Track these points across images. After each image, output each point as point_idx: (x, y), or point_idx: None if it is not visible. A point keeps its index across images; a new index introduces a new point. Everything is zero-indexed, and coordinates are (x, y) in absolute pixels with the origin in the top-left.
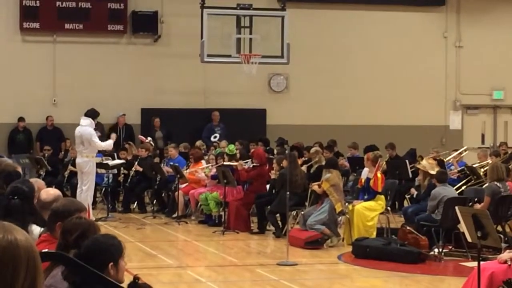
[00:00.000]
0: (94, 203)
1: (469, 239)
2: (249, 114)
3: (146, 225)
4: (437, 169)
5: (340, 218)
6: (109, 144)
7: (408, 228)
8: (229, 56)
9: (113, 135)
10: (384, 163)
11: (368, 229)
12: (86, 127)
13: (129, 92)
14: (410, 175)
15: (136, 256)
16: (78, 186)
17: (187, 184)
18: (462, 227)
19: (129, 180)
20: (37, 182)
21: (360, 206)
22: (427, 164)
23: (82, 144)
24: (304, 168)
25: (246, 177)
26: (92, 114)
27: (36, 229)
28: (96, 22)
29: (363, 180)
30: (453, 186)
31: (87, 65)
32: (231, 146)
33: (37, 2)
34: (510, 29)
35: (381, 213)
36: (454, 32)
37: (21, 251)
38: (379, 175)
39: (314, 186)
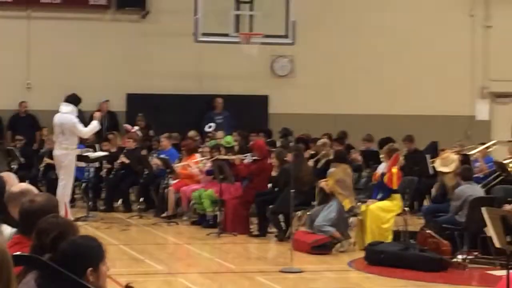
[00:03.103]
0: (73, 200)
1: (497, 245)
2: (249, 101)
3: (131, 226)
4: (453, 165)
5: (351, 219)
6: (94, 126)
7: (428, 231)
8: (227, 35)
9: (97, 114)
10: (402, 157)
11: (383, 232)
12: (67, 114)
13: (113, 75)
14: (431, 172)
15: (120, 261)
16: (59, 180)
17: (178, 179)
18: (490, 230)
19: (112, 173)
20: (9, 177)
21: (375, 206)
22: (440, 160)
23: (62, 134)
24: (310, 162)
25: (245, 172)
26: (73, 100)
27: (6, 230)
28: None
29: (377, 175)
30: (479, 184)
31: (65, 44)
32: (228, 138)
33: None
34: None
35: (398, 214)
36: (482, 9)
37: None
38: (394, 170)
39: (322, 183)
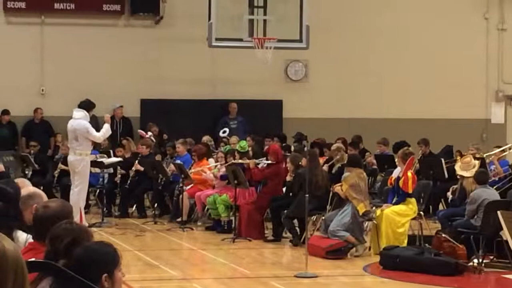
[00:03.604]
0: (88, 206)
1: None
2: (263, 106)
3: (146, 232)
4: (474, 170)
5: (366, 224)
6: (107, 129)
7: (443, 235)
8: (241, 40)
9: (107, 116)
10: (417, 161)
11: (398, 236)
12: (80, 120)
13: (127, 81)
14: (446, 176)
15: (135, 267)
16: (72, 187)
17: (192, 185)
18: (505, 234)
19: (129, 181)
20: (23, 182)
21: (389, 210)
22: (461, 164)
23: (76, 140)
24: (325, 167)
25: (260, 176)
26: (86, 105)
27: (22, 236)
28: (89, 2)
29: (393, 179)
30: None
31: (79, 50)
32: (243, 143)
33: None
34: None
35: (413, 219)
36: (497, 12)
37: (9, 261)
38: (409, 174)
39: (337, 188)
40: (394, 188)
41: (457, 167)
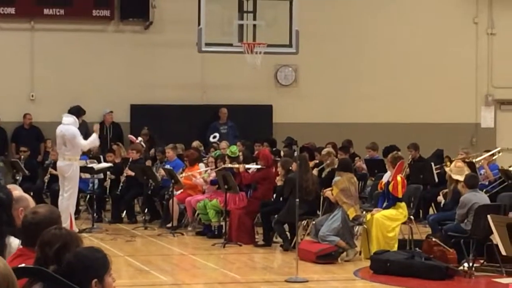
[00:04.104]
0: (78, 212)
1: (503, 252)
2: (253, 111)
3: (136, 237)
4: (466, 173)
5: (356, 228)
6: (93, 139)
7: (434, 239)
8: (230, 45)
9: (96, 126)
10: (407, 166)
11: (388, 241)
12: (69, 125)
13: (117, 86)
14: (436, 180)
15: (126, 272)
16: (60, 193)
17: (182, 190)
18: (496, 238)
19: (120, 186)
20: (14, 188)
21: (380, 215)
22: (454, 168)
23: (65, 145)
24: (315, 171)
25: (249, 180)
26: (76, 111)
27: (14, 242)
28: (79, 7)
29: (383, 184)
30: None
31: (69, 55)
32: (233, 148)
33: None
34: None
35: (403, 223)
36: (486, 17)
37: (0, 277)
38: (399, 178)
39: (327, 193)
40: (384, 193)
41: (452, 171)
